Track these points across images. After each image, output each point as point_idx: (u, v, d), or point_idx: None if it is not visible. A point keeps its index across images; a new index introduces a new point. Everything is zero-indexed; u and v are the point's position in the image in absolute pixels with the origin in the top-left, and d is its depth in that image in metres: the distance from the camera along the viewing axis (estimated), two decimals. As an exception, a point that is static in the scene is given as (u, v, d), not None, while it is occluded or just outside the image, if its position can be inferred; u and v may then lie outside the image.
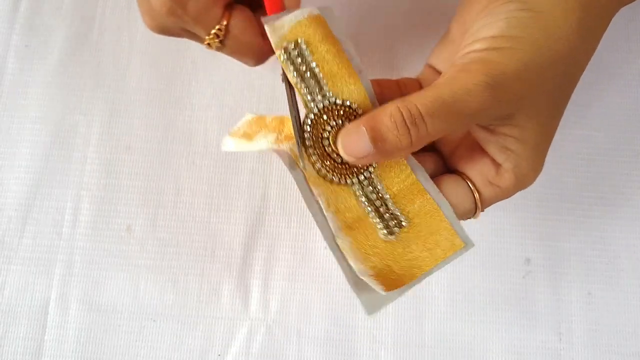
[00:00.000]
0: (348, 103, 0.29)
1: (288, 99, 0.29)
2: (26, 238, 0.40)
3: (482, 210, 0.31)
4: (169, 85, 0.43)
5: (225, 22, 0.30)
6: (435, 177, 0.30)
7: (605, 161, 0.41)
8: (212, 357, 0.39)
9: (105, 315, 0.39)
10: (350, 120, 0.28)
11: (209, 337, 0.39)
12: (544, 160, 0.30)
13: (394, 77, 0.33)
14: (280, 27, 0.29)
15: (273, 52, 0.30)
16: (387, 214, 0.29)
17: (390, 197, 0.29)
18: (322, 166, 0.29)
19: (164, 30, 0.31)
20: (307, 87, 0.29)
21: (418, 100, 0.26)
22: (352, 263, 0.28)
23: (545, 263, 0.40)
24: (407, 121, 0.25)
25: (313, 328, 0.39)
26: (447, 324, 0.39)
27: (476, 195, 0.29)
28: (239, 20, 0.30)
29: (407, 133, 0.25)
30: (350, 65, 0.29)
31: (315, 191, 0.28)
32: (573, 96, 0.30)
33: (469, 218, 0.31)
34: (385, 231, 0.29)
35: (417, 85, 0.33)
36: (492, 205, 0.40)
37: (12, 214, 0.41)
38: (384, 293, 0.27)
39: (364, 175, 0.29)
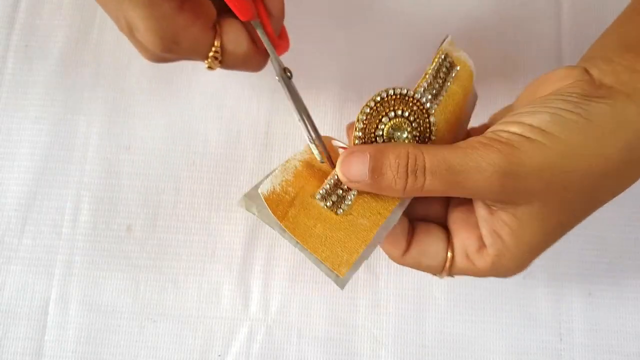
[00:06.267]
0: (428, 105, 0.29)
1: (288, 93, 0.30)
2: (26, 238, 0.40)
3: (450, 276, 0.30)
4: (169, 85, 0.43)
5: (218, 43, 0.30)
6: (431, 221, 0.31)
7: (605, 161, 0.41)
8: (212, 357, 0.38)
9: (105, 315, 0.39)
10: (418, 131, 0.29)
11: (209, 337, 0.39)
12: (530, 263, 0.28)
13: None
14: (453, 47, 0.30)
15: (268, 55, 0.31)
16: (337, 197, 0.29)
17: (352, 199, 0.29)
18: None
19: (162, 60, 0.31)
20: (431, 88, 0.29)
21: (428, 153, 0.25)
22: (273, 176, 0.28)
23: (545, 263, 0.40)
24: (409, 168, 0.25)
25: (313, 328, 0.39)
26: (447, 324, 0.39)
27: (448, 262, 0.29)
28: (231, 35, 0.30)
29: (405, 179, 0.26)
30: (461, 121, 0.30)
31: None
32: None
33: (433, 274, 0.31)
34: (329, 203, 0.28)
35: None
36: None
37: (12, 214, 0.40)
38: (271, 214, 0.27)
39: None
